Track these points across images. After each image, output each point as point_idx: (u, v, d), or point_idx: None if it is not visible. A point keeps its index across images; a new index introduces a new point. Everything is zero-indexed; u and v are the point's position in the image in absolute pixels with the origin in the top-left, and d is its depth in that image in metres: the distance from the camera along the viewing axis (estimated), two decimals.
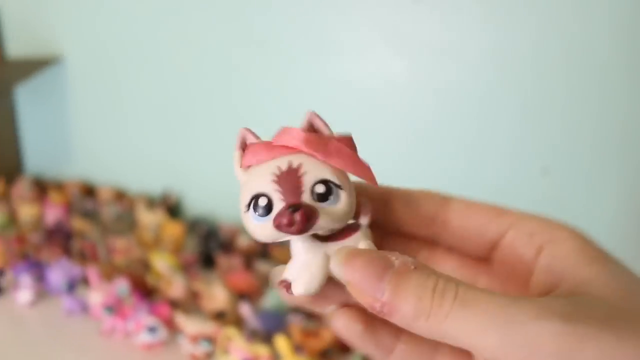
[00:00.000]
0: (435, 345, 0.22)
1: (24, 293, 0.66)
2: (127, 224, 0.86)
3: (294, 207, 0.20)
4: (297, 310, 0.61)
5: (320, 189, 0.21)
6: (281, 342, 0.52)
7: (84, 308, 0.64)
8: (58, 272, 0.66)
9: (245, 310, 0.59)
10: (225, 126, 0.82)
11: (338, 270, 0.20)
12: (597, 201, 0.66)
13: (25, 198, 0.88)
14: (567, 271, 0.20)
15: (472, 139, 0.70)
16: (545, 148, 0.67)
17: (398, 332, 0.22)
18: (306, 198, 0.20)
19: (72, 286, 0.66)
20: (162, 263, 0.67)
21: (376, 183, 0.22)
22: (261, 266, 0.69)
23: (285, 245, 0.22)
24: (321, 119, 0.22)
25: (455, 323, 0.18)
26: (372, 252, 0.20)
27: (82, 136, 0.96)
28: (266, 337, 0.56)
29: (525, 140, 0.68)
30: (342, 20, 0.72)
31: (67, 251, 0.73)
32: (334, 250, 0.21)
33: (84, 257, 0.73)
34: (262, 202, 0.21)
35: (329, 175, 0.21)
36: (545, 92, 0.66)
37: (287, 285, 0.22)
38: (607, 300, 0.18)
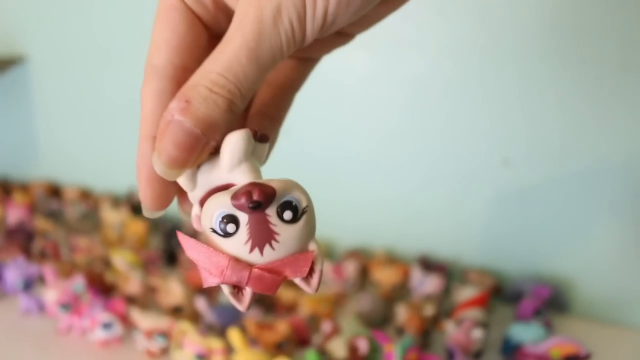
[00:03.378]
0: None
1: None
2: (92, 223, 0.86)
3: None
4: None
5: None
6: (234, 335, 0.52)
7: (41, 307, 0.63)
8: (14, 272, 0.65)
9: (201, 304, 0.58)
10: None
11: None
12: (558, 192, 0.67)
13: None
14: None
15: (433, 131, 0.70)
16: (506, 139, 0.67)
17: None
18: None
19: (29, 285, 0.65)
20: (121, 260, 0.66)
21: None
22: None
23: None
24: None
25: None
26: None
27: (48, 136, 0.95)
28: (221, 331, 0.56)
29: (486, 132, 0.68)
30: None
31: (26, 251, 0.73)
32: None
33: (45, 257, 0.72)
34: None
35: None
36: (505, 83, 0.66)
37: None
38: None
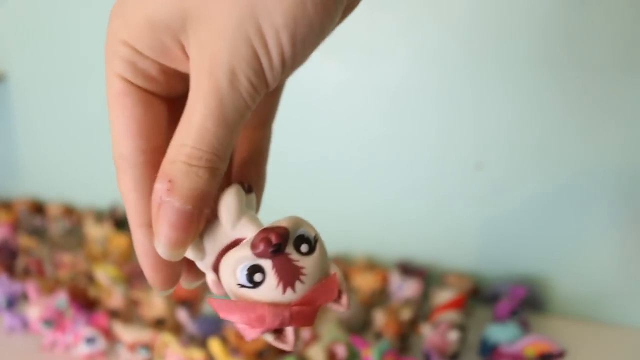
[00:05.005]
0: None
1: None
2: (76, 238, 0.86)
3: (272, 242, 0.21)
4: None
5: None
6: (215, 345, 0.53)
7: (24, 324, 0.64)
8: None
9: (183, 316, 0.59)
10: None
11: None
12: (531, 194, 0.68)
13: None
14: None
15: (409, 137, 0.71)
16: (479, 144, 0.69)
17: None
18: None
19: (12, 303, 0.65)
20: (104, 275, 0.67)
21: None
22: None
23: None
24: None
25: None
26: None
27: (30, 153, 0.96)
28: (203, 342, 0.57)
29: (459, 136, 0.69)
30: None
31: (10, 269, 0.73)
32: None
33: (28, 274, 0.73)
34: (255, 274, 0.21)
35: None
36: (476, 87, 0.67)
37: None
38: None
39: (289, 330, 0.22)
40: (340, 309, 0.23)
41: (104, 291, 0.66)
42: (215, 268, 0.23)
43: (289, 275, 0.21)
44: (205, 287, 0.67)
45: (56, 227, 0.87)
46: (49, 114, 0.92)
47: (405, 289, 0.66)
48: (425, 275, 0.70)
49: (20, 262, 0.74)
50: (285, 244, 0.21)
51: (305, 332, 0.57)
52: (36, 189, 0.95)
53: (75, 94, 0.88)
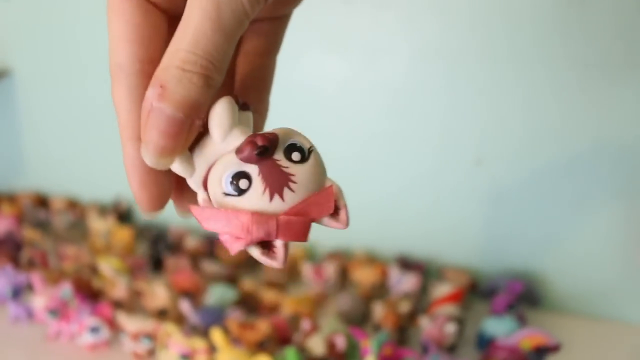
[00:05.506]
0: None
1: None
2: (80, 231, 0.87)
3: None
4: (235, 304, 0.63)
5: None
6: (217, 335, 0.54)
7: (30, 314, 0.65)
8: (3, 280, 0.66)
9: (185, 306, 0.60)
10: None
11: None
12: (529, 189, 0.69)
13: None
14: None
15: (408, 133, 0.72)
16: (478, 139, 0.70)
17: None
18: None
19: (18, 293, 0.66)
20: (107, 267, 0.68)
21: None
22: (206, 266, 0.71)
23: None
24: None
25: None
26: None
27: (34, 148, 0.97)
28: (205, 332, 0.58)
29: (459, 133, 0.70)
30: None
31: (15, 261, 0.74)
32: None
33: (33, 265, 0.74)
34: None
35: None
36: (475, 84, 0.68)
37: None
38: None
39: (279, 244, 0.20)
40: (337, 225, 0.21)
41: (108, 282, 0.67)
42: (205, 185, 0.21)
43: (276, 182, 0.20)
44: (205, 277, 0.67)
45: (60, 220, 0.88)
46: (53, 108, 0.93)
47: (404, 282, 0.67)
48: (423, 270, 0.71)
49: (25, 254, 0.75)
50: (273, 149, 0.20)
51: (305, 323, 0.58)
52: (40, 183, 0.96)
53: (79, 88, 0.89)
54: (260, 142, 0.19)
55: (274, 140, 0.20)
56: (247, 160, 0.20)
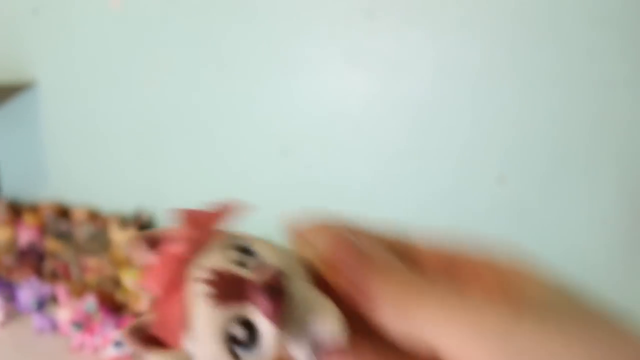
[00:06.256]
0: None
1: None
2: (101, 243, 0.88)
3: (270, 288, 0.17)
4: None
5: (238, 256, 0.18)
6: None
7: (54, 326, 0.66)
8: (28, 292, 0.67)
9: None
10: (193, 146, 0.85)
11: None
12: (554, 208, 0.69)
13: (0, 221, 0.89)
14: None
15: (428, 149, 0.72)
16: (500, 157, 0.70)
17: None
18: (245, 273, 0.17)
19: (42, 305, 0.67)
20: (131, 279, 0.68)
21: (235, 212, 0.19)
22: None
23: None
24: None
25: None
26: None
27: (56, 159, 0.98)
28: None
29: (481, 150, 0.70)
30: (303, 38, 0.75)
31: (38, 271, 0.75)
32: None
33: (56, 277, 0.75)
34: (238, 331, 0.17)
35: (239, 242, 0.18)
36: (497, 101, 0.68)
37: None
38: None
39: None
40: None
41: (131, 296, 0.67)
42: None
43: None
44: None
45: (81, 231, 0.88)
46: (75, 121, 0.94)
47: None
48: None
49: (48, 265, 0.76)
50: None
51: None
52: (61, 194, 0.97)
53: (100, 101, 0.90)
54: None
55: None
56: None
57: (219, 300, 0.16)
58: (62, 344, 0.64)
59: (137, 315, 0.64)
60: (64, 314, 0.63)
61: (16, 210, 0.93)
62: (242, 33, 0.78)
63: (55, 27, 0.91)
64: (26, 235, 0.83)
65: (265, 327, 0.16)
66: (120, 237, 0.83)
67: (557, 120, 0.66)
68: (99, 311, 0.63)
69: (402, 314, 0.17)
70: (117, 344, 0.60)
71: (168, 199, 0.89)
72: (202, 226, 0.18)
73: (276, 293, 0.16)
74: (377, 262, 0.18)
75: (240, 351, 0.17)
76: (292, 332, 0.17)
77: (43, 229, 0.87)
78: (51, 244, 0.82)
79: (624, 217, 0.66)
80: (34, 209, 0.94)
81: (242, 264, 0.17)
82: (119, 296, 0.67)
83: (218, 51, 0.80)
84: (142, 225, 0.86)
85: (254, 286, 0.16)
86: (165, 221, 0.90)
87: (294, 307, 0.17)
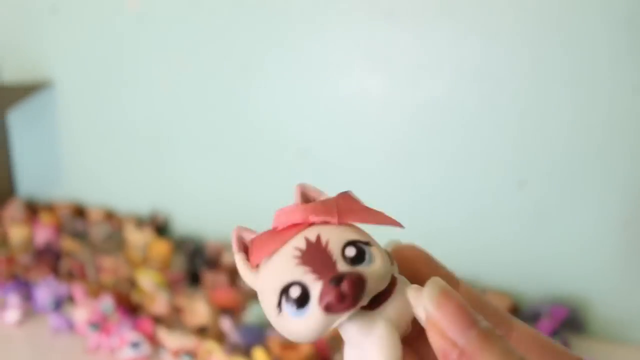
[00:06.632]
0: None
1: (11, 312, 0.67)
2: (116, 243, 0.88)
3: (336, 279, 0.17)
4: None
5: (351, 252, 0.18)
6: (259, 355, 0.53)
7: (70, 326, 0.65)
8: (45, 291, 0.67)
9: (226, 324, 0.60)
10: (211, 147, 0.84)
11: (428, 307, 0.18)
12: (574, 214, 0.68)
13: (17, 220, 0.89)
14: None
15: (449, 153, 0.71)
16: (521, 161, 0.69)
17: None
18: (342, 267, 0.18)
19: (59, 304, 0.67)
20: (147, 280, 0.68)
21: (398, 224, 0.20)
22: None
23: None
24: (313, 187, 0.21)
25: None
26: (461, 297, 0.18)
27: (73, 159, 0.98)
28: (246, 351, 0.57)
29: (501, 154, 0.69)
30: (322, 39, 0.74)
31: (55, 271, 0.75)
32: (392, 312, 0.18)
33: (72, 276, 0.75)
34: (295, 292, 0.18)
35: (353, 236, 0.19)
36: (519, 106, 0.67)
37: None
38: None
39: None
40: None
41: (147, 297, 0.67)
42: None
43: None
44: (244, 294, 0.67)
45: (97, 231, 0.88)
46: (92, 120, 0.94)
47: None
48: None
49: (64, 265, 0.76)
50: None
51: None
52: (77, 194, 0.98)
53: (118, 100, 0.91)
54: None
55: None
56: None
57: (301, 262, 0.18)
58: (78, 343, 0.64)
59: (153, 316, 0.64)
60: (80, 314, 0.63)
61: (33, 209, 0.94)
62: (260, 34, 0.78)
63: (73, 26, 0.91)
64: (43, 234, 0.83)
65: (314, 305, 0.18)
66: (136, 237, 0.83)
67: (578, 125, 0.65)
68: (116, 312, 0.63)
69: None
70: (134, 345, 0.60)
71: (184, 200, 0.89)
72: (343, 214, 0.20)
73: (347, 290, 0.17)
74: (493, 337, 0.17)
75: (286, 305, 0.18)
76: (348, 325, 0.18)
77: (59, 228, 0.87)
78: (67, 244, 0.82)
79: None
80: (50, 208, 0.94)
81: (347, 257, 0.18)
82: (135, 297, 0.67)
83: (235, 51, 0.79)
84: (157, 226, 0.86)
85: (335, 273, 0.17)
86: (181, 222, 0.90)
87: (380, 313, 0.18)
